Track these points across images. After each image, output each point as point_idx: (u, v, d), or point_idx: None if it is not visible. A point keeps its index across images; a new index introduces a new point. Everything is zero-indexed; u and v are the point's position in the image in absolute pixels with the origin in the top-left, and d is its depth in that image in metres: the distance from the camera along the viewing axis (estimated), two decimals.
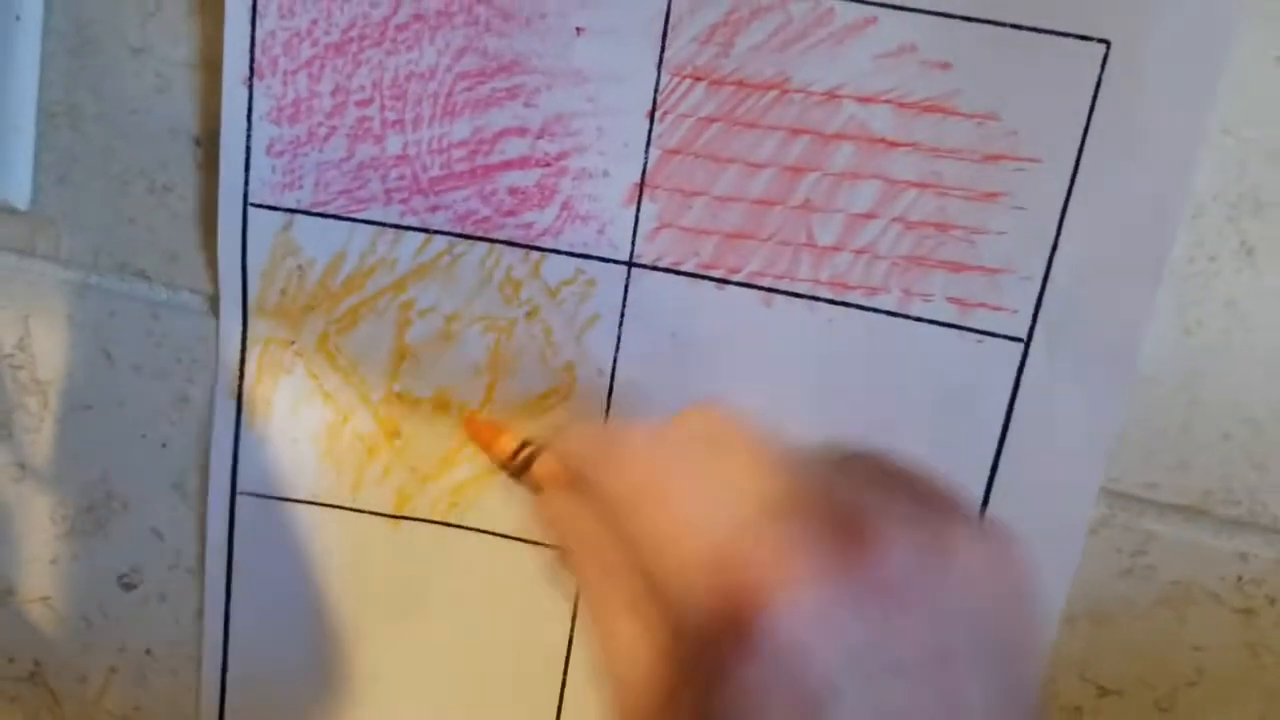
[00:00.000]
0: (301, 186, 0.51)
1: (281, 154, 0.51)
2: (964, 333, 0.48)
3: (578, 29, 0.48)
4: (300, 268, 0.52)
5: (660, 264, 0.50)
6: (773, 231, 0.49)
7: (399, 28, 0.49)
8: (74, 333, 0.57)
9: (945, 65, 0.46)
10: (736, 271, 0.50)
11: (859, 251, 0.49)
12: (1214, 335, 0.48)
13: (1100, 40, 0.45)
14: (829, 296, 0.49)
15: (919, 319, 0.49)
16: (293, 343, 0.54)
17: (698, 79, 0.48)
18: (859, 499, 0.33)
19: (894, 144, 0.47)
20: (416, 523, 0.56)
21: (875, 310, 0.49)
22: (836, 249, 0.49)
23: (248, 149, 0.51)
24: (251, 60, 0.50)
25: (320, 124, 0.50)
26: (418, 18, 0.48)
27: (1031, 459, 0.49)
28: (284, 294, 0.53)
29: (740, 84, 0.48)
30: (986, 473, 0.50)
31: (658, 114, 0.48)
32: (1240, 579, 0.50)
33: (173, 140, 0.53)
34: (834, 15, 0.46)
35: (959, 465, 0.50)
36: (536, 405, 0.53)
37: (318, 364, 0.54)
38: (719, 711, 0.30)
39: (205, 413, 0.57)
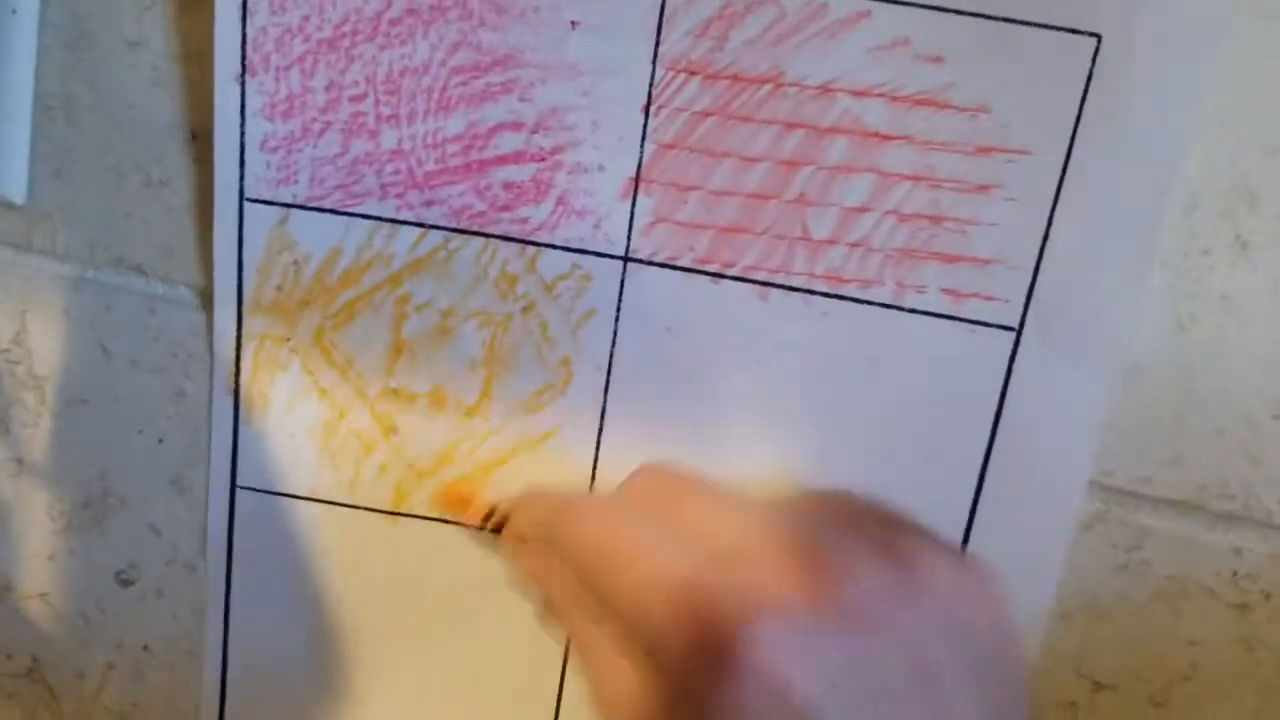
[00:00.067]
0: (296, 182, 0.51)
1: (276, 149, 0.51)
2: (957, 323, 0.49)
3: (572, 23, 0.48)
4: (296, 263, 0.52)
5: (656, 258, 0.50)
6: (768, 225, 0.49)
7: (392, 22, 0.49)
8: (70, 327, 0.57)
9: (938, 59, 0.46)
10: (732, 265, 0.50)
11: (853, 244, 0.49)
12: (1208, 329, 0.48)
13: (1091, 34, 0.45)
14: (824, 290, 0.49)
15: (913, 310, 0.49)
16: (288, 338, 0.54)
17: (692, 73, 0.48)
18: (821, 534, 0.33)
19: (887, 137, 0.47)
20: (415, 519, 0.56)
21: (870, 303, 0.49)
22: (831, 242, 0.49)
23: (242, 145, 0.51)
24: (243, 57, 0.50)
25: (314, 119, 0.50)
26: (411, 12, 0.48)
27: (1023, 447, 0.49)
28: (280, 289, 0.53)
29: (735, 78, 0.48)
30: (979, 460, 0.50)
31: (653, 108, 0.49)
32: (1235, 574, 0.50)
33: (168, 134, 0.53)
34: (827, 9, 0.46)
35: (951, 453, 0.50)
36: (533, 400, 0.53)
37: (313, 360, 0.54)
38: None
39: (202, 408, 0.57)
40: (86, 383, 0.58)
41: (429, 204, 0.51)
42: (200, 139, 0.53)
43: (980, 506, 0.50)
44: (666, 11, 0.47)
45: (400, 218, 0.51)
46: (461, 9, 0.48)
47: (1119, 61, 0.45)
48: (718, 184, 0.49)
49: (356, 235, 0.52)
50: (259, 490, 0.56)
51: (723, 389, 0.51)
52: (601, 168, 0.50)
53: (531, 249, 0.51)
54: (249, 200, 0.52)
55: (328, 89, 0.50)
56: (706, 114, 0.48)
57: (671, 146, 0.49)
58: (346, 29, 0.49)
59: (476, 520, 0.47)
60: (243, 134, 0.51)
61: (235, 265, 0.53)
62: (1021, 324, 0.48)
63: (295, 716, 0.60)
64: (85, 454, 0.59)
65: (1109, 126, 0.45)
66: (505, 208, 0.51)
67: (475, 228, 0.51)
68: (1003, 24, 0.45)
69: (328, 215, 0.52)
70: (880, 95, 0.47)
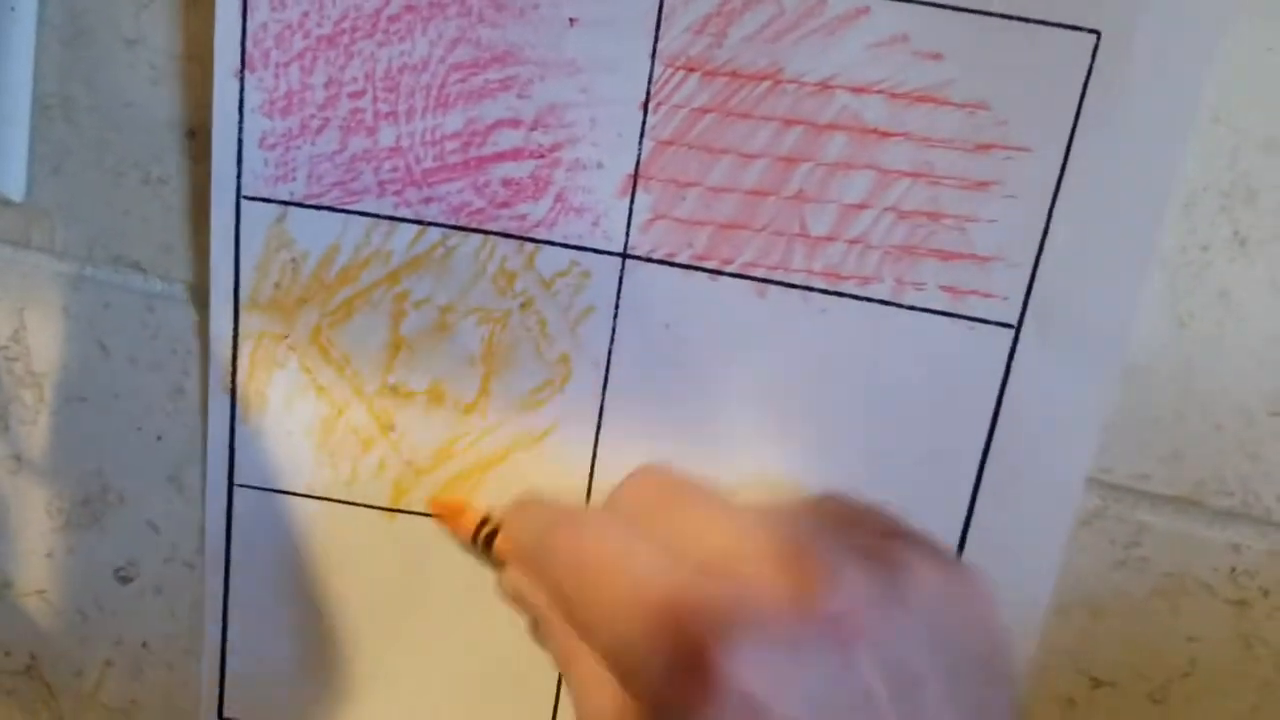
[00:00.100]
0: (294, 179, 0.51)
1: (274, 147, 0.51)
2: (956, 320, 0.49)
3: (571, 19, 0.48)
4: (293, 260, 0.52)
5: (654, 255, 0.50)
6: (766, 222, 0.49)
7: (391, 19, 0.49)
8: (69, 325, 0.57)
9: (937, 55, 0.46)
10: (730, 262, 0.50)
11: (852, 241, 0.49)
12: (1207, 326, 0.48)
13: (1090, 30, 0.45)
14: (823, 286, 0.49)
15: (912, 307, 0.49)
16: (286, 336, 0.54)
17: (691, 70, 0.48)
18: (809, 539, 0.33)
19: (886, 134, 0.47)
20: (413, 516, 0.56)
21: (868, 299, 0.49)
22: (830, 239, 0.49)
23: (240, 142, 0.51)
24: (243, 53, 0.50)
25: (313, 116, 0.50)
26: (410, 9, 0.48)
27: (1021, 444, 0.49)
28: (277, 287, 0.53)
29: (733, 75, 0.48)
30: (978, 457, 0.50)
31: (651, 105, 0.49)
32: (1233, 570, 0.50)
33: (166, 132, 0.53)
34: (826, 6, 0.46)
35: (950, 450, 0.50)
36: (531, 397, 0.53)
37: (311, 357, 0.54)
38: None
39: (200, 405, 0.57)
40: (85, 380, 0.58)
41: (427, 201, 0.51)
42: (198, 137, 0.53)
43: (978, 503, 0.50)
44: (665, 8, 0.47)
45: (398, 215, 0.51)
46: (460, 6, 0.48)
47: (1118, 58, 0.45)
48: (716, 180, 0.49)
49: (354, 232, 0.52)
50: (257, 488, 0.56)
51: (721, 385, 0.51)
52: (600, 164, 0.50)
53: (530, 246, 0.51)
54: (247, 198, 0.52)
55: (327, 86, 0.50)
56: (705, 110, 0.48)
57: (670, 143, 0.49)
58: (346, 25, 0.49)
59: (468, 533, 0.47)
60: (241, 131, 0.51)
61: (233, 263, 0.53)
62: (1020, 321, 0.48)
63: (294, 713, 0.60)
64: (83, 451, 0.59)
65: (1108, 123, 0.46)
66: (504, 204, 0.51)
67: (474, 225, 0.51)
68: (1002, 20, 0.45)
69: (325, 212, 0.52)
70: (879, 92, 0.47)
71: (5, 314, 0.57)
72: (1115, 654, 0.52)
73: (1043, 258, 0.47)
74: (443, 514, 0.54)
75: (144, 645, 0.62)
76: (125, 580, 0.61)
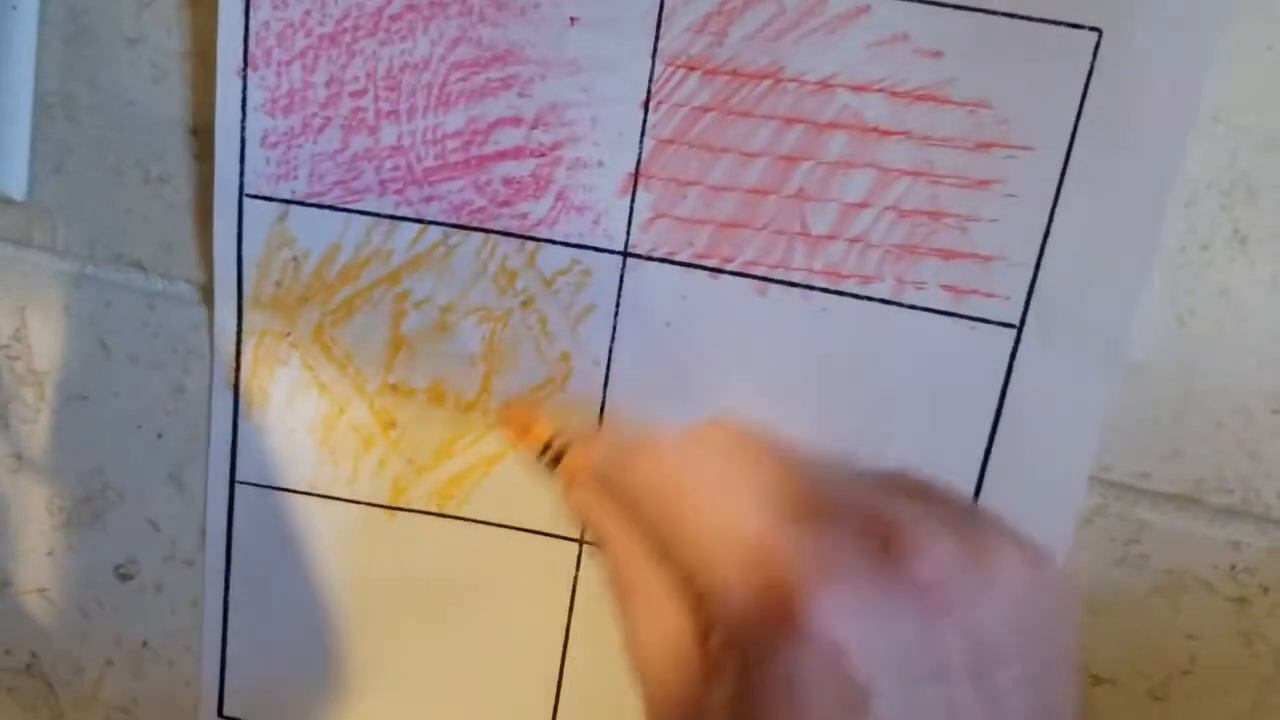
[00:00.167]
0: (296, 177, 0.51)
1: (276, 145, 0.51)
2: (957, 319, 0.49)
3: (572, 19, 0.48)
4: (295, 259, 0.53)
5: (655, 254, 0.50)
6: (767, 221, 0.49)
7: (393, 18, 0.49)
8: (70, 323, 0.57)
9: (937, 54, 0.46)
10: (731, 261, 0.50)
11: (853, 240, 0.49)
12: (1207, 324, 0.48)
13: (1092, 28, 0.45)
14: (823, 285, 0.49)
15: (913, 306, 0.49)
16: (288, 334, 0.54)
17: (692, 69, 0.48)
18: (900, 505, 0.33)
19: (887, 133, 0.47)
20: (413, 514, 0.56)
21: (869, 298, 0.49)
22: (830, 238, 0.49)
23: (242, 140, 0.51)
24: (245, 51, 0.50)
25: (314, 115, 0.50)
26: (411, 8, 0.48)
27: (1024, 444, 0.49)
28: (279, 285, 0.53)
29: (734, 73, 0.48)
30: (980, 457, 0.50)
31: (652, 104, 0.49)
32: (1233, 567, 0.51)
33: (168, 131, 0.53)
34: (826, 4, 0.46)
35: (952, 450, 0.50)
36: (532, 395, 0.53)
37: (313, 355, 0.54)
38: (756, 697, 0.30)
39: (201, 403, 0.57)
40: (86, 378, 0.58)
41: (428, 200, 0.51)
42: (200, 135, 0.53)
43: (980, 503, 0.50)
44: (666, 7, 0.47)
45: (399, 214, 0.51)
46: (462, 5, 0.48)
47: (1120, 56, 0.45)
48: (717, 179, 0.49)
49: (355, 231, 0.52)
50: (258, 485, 0.56)
51: (721, 384, 0.51)
52: (601, 163, 0.50)
53: (531, 244, 0.51)
54: (249, 196, 0.52)
55: (328, 84, 0.50)
56: (706, 109, 0.48)
57: (671, 142, 0.49)
58: (348, 24, 0.49)
59: (535, 450, 0.46)
60: (243, 129, 0.51)
61: (235, 261, 0.53)
62: (1022, 321, 0.48)
63: (294, 711, 0.60)
64: (84, 449, 0.59)
65: (1110, 122, 0.46)
66: (505, 203, 0.51)
67: (475, 223, 0.51)
68: (1003, 18, 0.45)
69: (327, 211, 0.52)
70: (880, 90, 0.47)
71: (7, 312, 0.57)
72: (1115, 651, 0.53)
73: (1044, 257, 0.47)
74: (510, 427, 0.53)
75: (144, 643, 0.62)
76: (126, 578, 0.61)
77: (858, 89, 0.47)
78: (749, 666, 0.30)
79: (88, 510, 0.60)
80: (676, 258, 0.50)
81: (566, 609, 0.56)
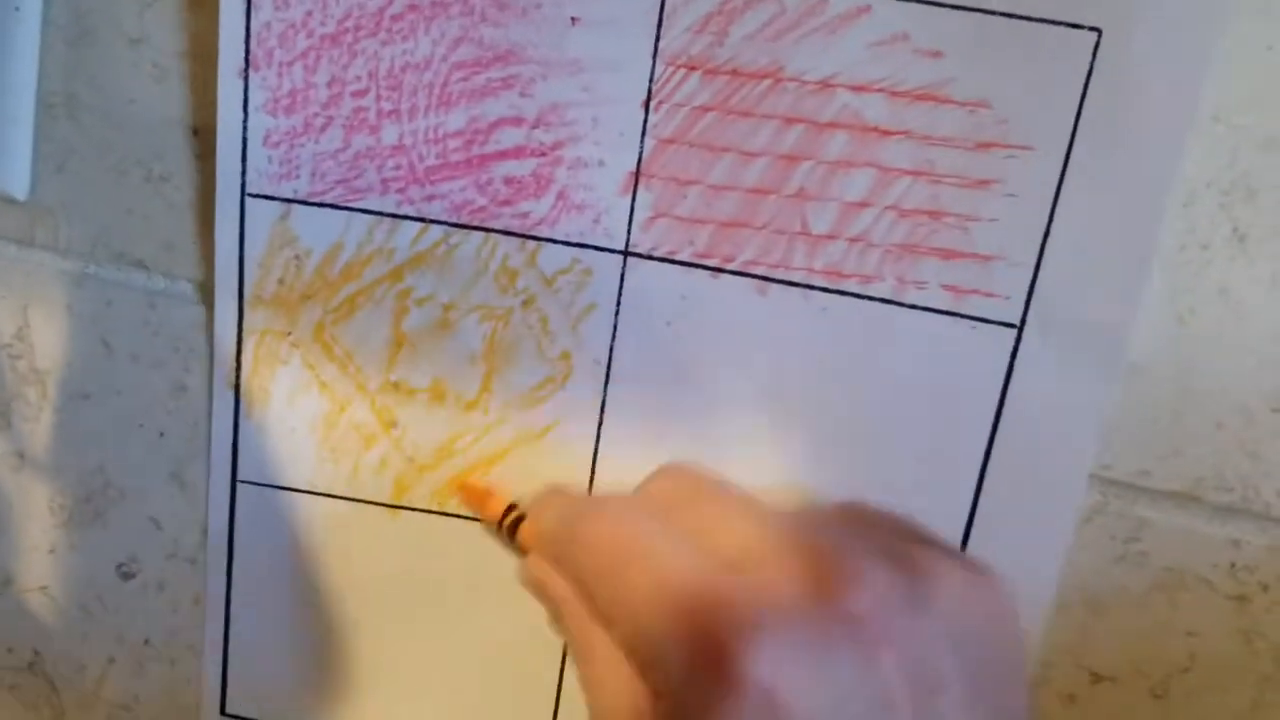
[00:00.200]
0: (298, 177, 0.51)
1: (278, 145, 0.51)
2: (957, 319, 0.49)
3: (573, 19, 0.48)
4: (297, 258, 0.53)
5: (656, 253, 0.50)
6: (767, 220, 0.49)
7: (394, 18, 0.49)
8: (72, 322, 0.57)
9: (937, 54, 0.46)
10: (731, 260, 0.50)
11: (853, 240, 0.49)
12: (1206, 323, 0.48)
13: (1091, 28, 0.45)
14: (823, 285, 0.49)
15: (913, 306, 0.49)
16: (289, 333, 0.54)
17: (692, 68, 0.48)
18: (831, 540, 0.33)
19: (887, 132, 0.47)
20: (414, 512, 0.56)
21: (869, 298, 0.49)
22: (831, 237, 0.49)
23: (244, 140, 0.51)
24: (247, 52, 0.50)
25: (316, 115, 0.51)
26: (413, 8, 0.49)
27: (1024, 443, 0.49)
28: (281, 284, 0.53)
29: (734, 73, 0.48)
30: (980, 456, 0.50)
31: (653, 103, 0.49)
32: (1233, 565, 0.51)
33: (170, 130, 0.53)
34: (827, 4, 0.46)
35: (953, 449, 0.50)
36: (532, 394, 0.53)
37: (314, 354, 0.54)
38: None
39: (202, 402, 0.57)
40: (88, 377, 0.58)
41: (430, 199, 0.51)
42: (201, 135, 0.53)
43: (981, 504, 0.50)
44: (666, 7, 0.47)
45: (401, 213, 0.51)
46: (463, 5, 0.48)
47: (1119, 56, 0.45)
48: (717, 179, 0.49)
49: (357, 230, 0.52)
50: (259, 484, 0.57)
51: (722, 383, 0.52)
52: (602, 163, 0.50)
53: (532, 243, 0.51)
54: (250, 195, 0.52)
55: (330, 84, 0.50)
56: (706, 109, 0.48)
57: (671, 141, 0.49)
58: (349, 24, 0.49)
59: (494, 519, 0.47)
60: (245, 129, 0.51)
61: (237, 260, 0.53)
62: (1023, 321, 0.48)
63: (296, 709, 0.61)
64: (86, 448, 0.59)
65: (1110, 121, 0.46)
66: (506, 202, 0.51)
67: (476, 222, 0.51)
68: (1002, 18, 0.45)
69: (329, 210, 0.52)
70: (880, 90, 0.47)
71: (9, 312, 0.57)
72: (1115, 649, 0.53)
73: (1044, 257, 0.47)
74: (468, 498, 0.53)
75: (146, 641, 0.62)
76: (127, 576, 0.61)
77: (858, 89, 0.47)
78: None
79: (89, 508, 0.60)
80: (677, 257, 0.50)
81: None
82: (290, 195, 0.52)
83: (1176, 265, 0.48)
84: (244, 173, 0.52)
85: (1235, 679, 0.52)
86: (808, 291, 0.50)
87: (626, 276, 0.51)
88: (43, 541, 0.61)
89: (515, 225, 0.51)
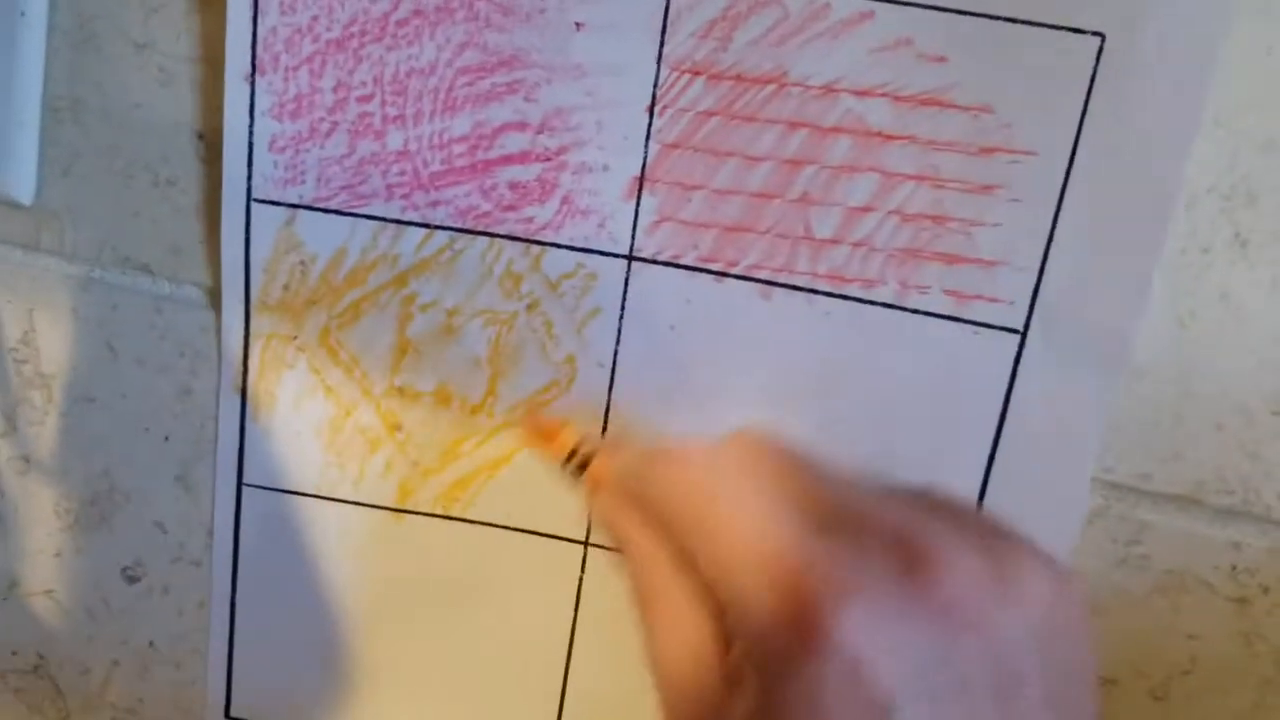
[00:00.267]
0: (304, 182, 0.52)
1: (284, 150, 0.51)
2: (961, 324, 0.49)
3: (577, 24, 0.48)
4: (303, 263, 0.53)
5: (660, 257, 0.50)
6: (771, 224, 0.49)
7: (399, 23, 0.49)
8: (78, 326, 0.57)
9: (941, 59, 0.46)
10: (735, 264, 0.50)
11: (857, 244, 0.49)
12: (1207, 326, 0.48)
13: (1095, 33, 0.45)
14: (827, 289, 0.50)
15: (916, 311, 0.49)
16: (295, 337, 0.54)
17: (696, 73, 0.48)
18: (922, 521, 0.33)
19: (890, 137, 0.47)
20: (419, 516, 0.56)
21: (873, 302, 0.49)
22: (834, 242, 0.49)
23: (250, 145, 0.51)
24: (253, 56, 0.50)
25: (322, 120, 0.51)
26: (418, 13, 0.49)
27: (1027, 447, 0.50)
28: (286, 289, 0.53)
29: (738, 78, 0.48)
30: (984, 462, 0.50)
31: (657, 108, 0.49)
32: (1234, 568, 0.51)
33: (176, 135, 0.53)
34: (830, 10, 0.47)
35: (956, 454, 0.50)
36: (537, 398, 0.53)
37: (320, 358, 0.54)
38: (778, 711, 0.30)
39: (208, 406, 0.57)
40: (93, 381, 0.58)
41: (434, 204, 0.51)
42: (207, 140, 0.53)
43: (984, 508, 0.50)
44: (671, 13, 0.47)
45: (406, 218, 0.52)
46: (468, 10, 0.48)
47: (1122, 61, 0.45)
48: (721, 183, 0.49)
49: (362, 236, 0.52)
50: (265, 487, 0.57)
51: (725, 387, 0.52)
52: (606, 168, 0.50)
53: (536, 248, 0.51)
54: (256, 200, 0.52)
55: (335, 89, 0.50)
56: (710, 114, 0.49)
57: (675, 146, 0.49)
58: (355, 29, 0.49)
59: (559, 458, 0.47)
60: (251, 134, 0.51)
61: (243, 265, 0.53)
62: (1026, 326, 0.48)
63: (301, 712, 0.61)
64: (91, 452, 0.59)
65: (1113, 126, 0.46)
66: (510, 208, 0.51)
67: (480, 228, 0.51)
68: (1006, 24, 0.45)
69: (334, 216, 0.52)
70: (883, 95, 0.47)
71: (15, 316, 0.57)
72: (1116, 651, 0.53)
73: (1048, 262, 0.47)
74: (535, 433, 0.53)
75: (151, 644, 0.63)
76: (133, 580, 0.61)
77: (861, 94, 0.47)
78: (771, 679, 0.30)
79: (95, 512, 0.60)
80: (681, 261, 0.50)
81: (572, 611, 0.56)
82: (296, 200, 0.52)
83: (1177, 268, 0.48)
84: (250, 177, 0.52)
85: (1236, 681, 0.52)
86: (811, 296, 0.50)
87: (631, 281, 0.51)
88: (48, 545, 0.61)
89: (520, 230, 0.51)
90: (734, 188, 0.49)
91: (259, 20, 0.49)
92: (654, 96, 0.49)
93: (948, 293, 0.49)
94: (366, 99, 0.50)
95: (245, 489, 0.57)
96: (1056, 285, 0.48)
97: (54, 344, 0.58)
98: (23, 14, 0.52)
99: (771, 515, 0.33)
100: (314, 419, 0.55)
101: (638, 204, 0.50)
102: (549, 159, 0.50)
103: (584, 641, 0.56)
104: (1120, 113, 0.46)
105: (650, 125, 0.49)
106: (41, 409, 0.59)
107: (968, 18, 0.46)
